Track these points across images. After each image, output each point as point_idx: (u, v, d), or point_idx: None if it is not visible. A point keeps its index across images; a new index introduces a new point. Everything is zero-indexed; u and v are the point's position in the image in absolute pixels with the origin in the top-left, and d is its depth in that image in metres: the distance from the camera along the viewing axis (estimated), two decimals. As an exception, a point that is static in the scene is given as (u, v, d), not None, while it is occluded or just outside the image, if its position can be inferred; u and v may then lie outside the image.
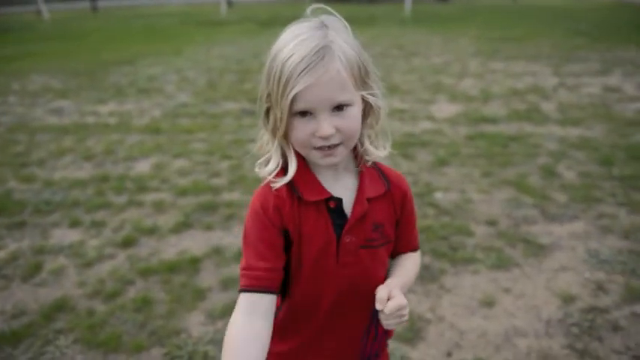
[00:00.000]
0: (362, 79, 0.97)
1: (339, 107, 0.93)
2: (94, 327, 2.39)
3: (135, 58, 9.94)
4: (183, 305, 2.53)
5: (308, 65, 0.88)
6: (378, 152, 1.07)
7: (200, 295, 2.59)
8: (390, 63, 8.50)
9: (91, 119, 5.91)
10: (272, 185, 1.01)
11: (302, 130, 0.94)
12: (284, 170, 1.02)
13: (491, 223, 3.20)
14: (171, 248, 3.04)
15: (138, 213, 3.51)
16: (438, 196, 3.59)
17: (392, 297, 0.99)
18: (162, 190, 3.86)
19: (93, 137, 5.22)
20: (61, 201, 3.73)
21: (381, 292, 1.00)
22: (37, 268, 2.90)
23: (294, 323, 1.14)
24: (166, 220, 3.39)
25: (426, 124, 5.22)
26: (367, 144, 1.05)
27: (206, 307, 2.51)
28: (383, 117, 1.04)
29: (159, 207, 3.58)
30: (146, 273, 2.79)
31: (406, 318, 1.01)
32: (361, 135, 1.03)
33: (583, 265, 2.74)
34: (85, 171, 4.32)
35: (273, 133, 0.99)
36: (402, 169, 4.04)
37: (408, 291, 2.56)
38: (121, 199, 3.72)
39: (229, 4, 22.45)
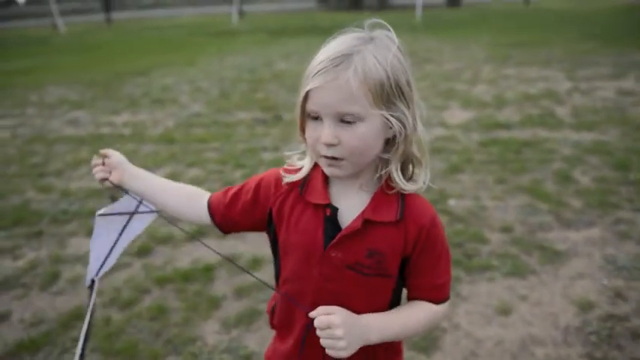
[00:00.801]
0: (386, 98, 0.92)
1: (347, 119, 0.92)
2: (110, 335, 2.41)
3: (148, 69, 10.08)
4: (198, 314, 2.54)
5: (323, 68, 0.90)
6: (405, 186, 0.99)
7: (215, 303, 2.61)
8: (402, 70, 8.48)
9: (106, 130, 6.00)
10: (283, 178, 1.07)
11: (311, 132, 0.97)
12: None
13: (506, 229, 3.17)
14: (186, 257, 3.06)
15: (153, 222, 3.54)
16: (452, 203, 3.57)
17: (330, 313, 0.96)
18: (176, 199, 3.89)
19: (108, 147, 5.28)
20: (78, 211, 3.79)
21: (319, 309, 0.97)
22: (55, 276, 2.95)
23: (286, 322, 1.14)
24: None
25: (439, 131, 5.21)
26: (393, 171, 0.98)
27: (221, 316, 2.52)
28: (421, 142, 0.98)
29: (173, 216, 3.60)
30: (161, 281, 2.81)
31: (340, 345, 0.93)
32: (388, 160, 0.99)
33: (600, 272, 2.71)
34: (100, 181, 4.37)
35: (299, 131, 1.03)
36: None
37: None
38: (137, 209, 3.76)
39: (241, 14, 22.68)
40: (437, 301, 1.06)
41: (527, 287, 2.62)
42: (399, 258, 1.02)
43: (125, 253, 3.29)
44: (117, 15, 26.53)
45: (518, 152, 4.47)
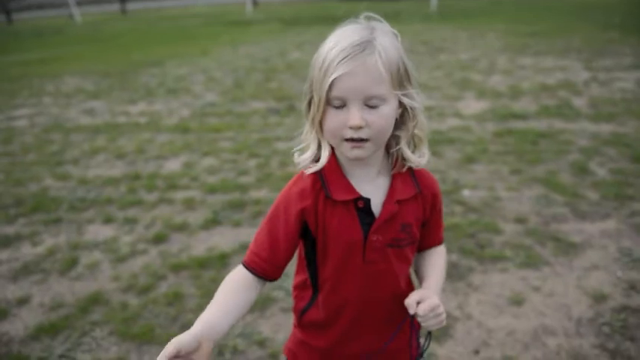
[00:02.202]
0: (400, 81, 1.00)
1: (372, 103, 0.96)
2: (127, 320, 2.47)
3: (163, 59, 10.14)
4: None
5: (348, 55, 0.93)
6: (419, 160, 1.09)
7: (229, 290, 2.64)
8: (416, 59, 8.30)
9: (122, 119, 6.07)
10: (305, 171, 1.08)
11: (334, 119, 0.98)
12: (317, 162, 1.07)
13: (521, 220, 3.16)
14: (201, 244, 3.11)
15: (169, 210, 3.60)
16: (466, 193, 3.56)
17: (422, 300, 1.03)
18: (191, 188, 3.94)
19: (124, 136, 5.36)
20: (95, 198, 3.85)
21: (411, 298, 1.05)
22: (73, 262, 3.01)
23: (326, 319, 1.17)
24: (196, 217, 3.46)
25: (454, 121, 5.18)
26: (405, 149, 1.07)
27: (235, 302, 2.55)
28: (421, 122, 1.07)
29: (189, 204, 3.66)
30: (177, 268, 2.86)
31: (444, 316, 1.04)
32: (398, 138, 1.07)
33: (615, 264, 2.69)
34: (117, 169, 4.44)
35: (312, 122, 1.04)
36: (429, 166, 4.01)
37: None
38: (153, 197, 3.82)
39: (254, 4, 22.62)
40: (441, 243, 1.25)
41: (540, 278, 2.61)
42: (420, 223, 1.15)
43: (142, 240, 3.36)
44: (132, 5, 26.65)
45: (534, 143, 4.43)
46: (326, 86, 0.96)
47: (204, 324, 0.95)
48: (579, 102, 5.58)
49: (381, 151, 1.08)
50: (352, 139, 0.98)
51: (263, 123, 5.51)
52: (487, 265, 2.74)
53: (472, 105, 5.74)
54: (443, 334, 2.27)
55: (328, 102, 0.98)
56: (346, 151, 1.01)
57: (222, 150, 4.74)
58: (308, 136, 1.08)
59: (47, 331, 2.44)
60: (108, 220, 3.50)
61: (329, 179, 1.07)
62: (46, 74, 9.26)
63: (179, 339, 0.88)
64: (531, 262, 2.74)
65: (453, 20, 13.64)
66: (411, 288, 1.21)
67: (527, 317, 2.34)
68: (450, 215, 3.24)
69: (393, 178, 1.10)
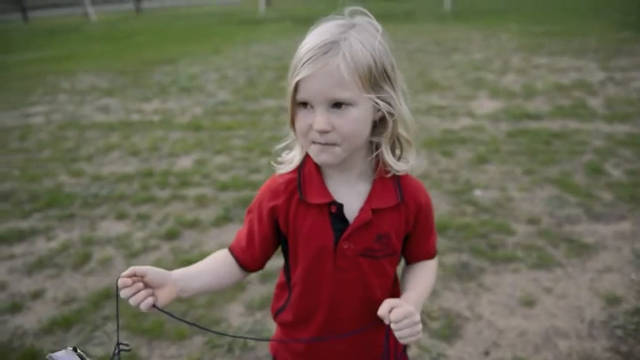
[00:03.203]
0: (374, 82, 0.94)
1: (338, 105, 0.93)
2: (138, 315, 2.49)
3: (177, 57, 10.20)
4: (223, 296, 2.60)
5: (311, 57, 0.91)
6: (397, 166, 1.03)
7: (240, 286, 2.66)
8: (429, 59, 8.40)
9: (136, 117, 6.12)
10: (277, 169, 1.08)
11: (302, 120, 0.97)
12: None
13: (533, 221, 3.13)
14: (213, 241, 3.12)
15: (181, 207, 3.62)
16: (478, 193, 3.54)
17: (395, 307, 0.97)
18: (203, 185, 3.97)
19: (138, 134, 5.41)
20: (108, 195, 3.90)
21: (382, 307, 0.98)
22: (87, 257, 3.05)
23: (295, 322, 1.17)
24: (208, 214, 3.48)
25: (466, 121, 5.14)
26: (385, 153, 1.01)
27: (245, 299, 2.57)
28: (408, 124, 1.01)
29: (201, 201, 3.68)
30: (188, 264, 2.87)
31: (419, 328, 0.96)
32: (379, 142, 1.01)
33: (629, 267, 2.65)
34: (130, 166, 4.48)
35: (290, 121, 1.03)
36: (440, 166, 4.01)
37: (446, 288, 2.55)
38: (165, 194, 3.85)
39: (267, 2, 22.67)
40: (432, 258, 1.20)
41: (552, 280, 2.59)
42: (403, 235, 1.10)
43: (154, 236, 3.38)
44: (147, 4, 26.85)
45: (548, 143, 4.38)
46: (291, 88, 0.94)
47: (181, 271, 1.05)
48: (594, 102, 5.51)
49: (360, 155, 1.03)
50: (320, 143, 0.96)
51: (275, 121, 5.52)
52: (499, 266, 2.72)
53: (485, 105, 5.70)
54: (453, 334, 2.26)
55: (296, 103, 0.96)
56: (314, 155, 0.99)
57: (234, 148, 4.76)
58: (291, 137, 1.08)
59: (60, 324, 2.47)
60: (121, 217, 3.53)
61: (306, 181, 1.05)
62: (61, 72, 9.37)
63: (150, 267, 0.97)
64: (543, 263, 2.71)
65: (466, 20, 13.54)
66: None
67: (539, 319, 2.32)
68: (462, 215, 3.22)
69: (374, 185, 1.04)
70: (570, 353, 2.11)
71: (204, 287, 1.10)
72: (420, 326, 0.96)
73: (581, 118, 5.00)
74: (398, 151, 1.05)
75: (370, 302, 1.08)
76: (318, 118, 0.93)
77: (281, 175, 1.09)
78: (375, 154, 1.03)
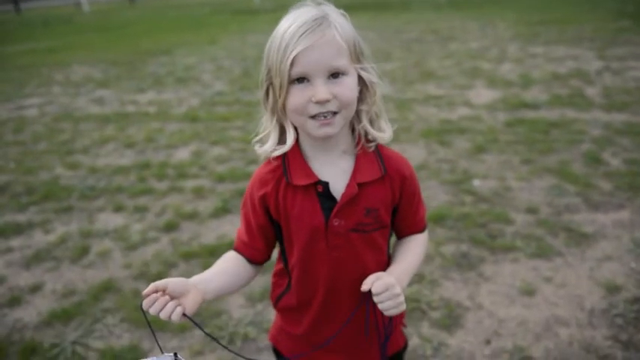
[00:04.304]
0: (357, 55, 1.00)
1: (335, 75, 0.96)
2: (139, 307, 2.48)
3: (172, 48, 10.12)
4: (223, 288, 2.59)
5: (307, 30, 0.93)
6: (382, 134, 1.06)
7: (240, 278, 2.65)
8: (426, 48, 8.36)
9: (131, 108, 6.08)
10: (272, 154, 1.06)
11: (299, 96, 0.96)
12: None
13: (532, 211, 3.13)
14: (211, 232, 3.11)
15: (179, 199, 3.61)
16: (476, 183, 3.54)
17: (378, 279, 1.00)
18: (201, 177, 3.95)
19: (134, 126, 5.37)
20: (105, 187, 3.87)
21: (366, 281, 1.02)
22: (85, 250, 3.03)
23: (299, 304, 1.18)
24: (206, 205, 3.47)
25: (464, 110, 5.13)
26: (366, 124, 1.05)
27: (245, 291, 2.56)
28: (379, 97, 1.05)
29: (198, 193, 3.66)
30: (188, 256, 2.87)
31: (402, 300, 0.99)
32: (360, 114, 1.05)
33: (628, 255, 2.66)
34: (127, 158, 4.45)
35: (273, 110, 1.03)
36: (438, 155, 4.00)
37: (446, 277, 2.55)
38: (163, 186, 3.83)
39: (263, -8, 22.45)
40: (421, 231, 1.21)
41: (552, 269, 2.59)
42: (391, 208, 1.12)
43: (152, 228, 3.37)
44: (139, -6, 26.56)
45: (546, 133, 4.38)
46: (287, 64, 0.94)
47: (197, 277, 1.04)
48: (592, 91, 5.50)
49: (346, 129, 1.06)
50: (321, 116, 0.96)
51: (272, 112, 5.49)
52: (498, 256, 2.73)
53: (482, 94, 5.68)
54: (453, 323, 2.26)
55: (291, 80, 0.96)
56: (313, 130, 0.99)
57: (231, 139, 4.73)
58: (268, 126, 1.07)
59: (60, 317, 2.46)
60: (118, 209, 3.51)
61: (291, 164, 1.06)
62: (54, 63, 9.28)
63: (169, 279, 0.95)
64: (543, 252, 2.72)
65: (463, 9, 13.48)
66: None
67: (539, 308, 2.33)
68: (461, 205, 3.22)
69: (357, 160, 1.06)
70: (571, 342, 2.12)
71: (222, 288, 1.09)
72: (401, 298, 0.99)
73: (579, 107, 5.00)
74: (376, 123, 1.08)
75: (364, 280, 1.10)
76: (319, 89, 0.94)
77: (266, 165, 1.11)
78: (359, 125, 1.06)
